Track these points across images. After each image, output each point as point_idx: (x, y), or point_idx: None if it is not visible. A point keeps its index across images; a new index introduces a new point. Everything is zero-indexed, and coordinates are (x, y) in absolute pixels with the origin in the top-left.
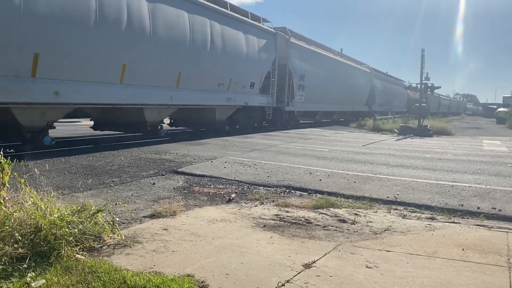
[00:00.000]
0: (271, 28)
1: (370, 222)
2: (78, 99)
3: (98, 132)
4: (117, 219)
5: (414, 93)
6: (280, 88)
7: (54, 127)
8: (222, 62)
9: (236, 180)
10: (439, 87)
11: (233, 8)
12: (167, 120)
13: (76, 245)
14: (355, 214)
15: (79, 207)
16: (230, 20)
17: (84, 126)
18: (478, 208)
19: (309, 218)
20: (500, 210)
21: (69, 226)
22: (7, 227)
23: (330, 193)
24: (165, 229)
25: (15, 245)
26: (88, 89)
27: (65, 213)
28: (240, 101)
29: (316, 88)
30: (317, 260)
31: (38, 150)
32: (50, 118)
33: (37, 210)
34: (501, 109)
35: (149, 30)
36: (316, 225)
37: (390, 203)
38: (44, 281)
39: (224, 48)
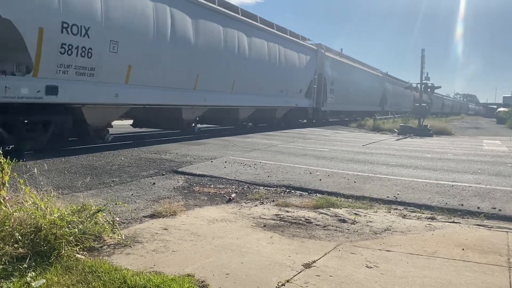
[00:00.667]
0: (312, 45)
1: (370, 222)
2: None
3: (138, 130)
4: (117, 219)
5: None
6: (317, 93)
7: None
8: (285, 74)
9: (236, 180)
10: (439, 87)
11: (291, 33)
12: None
13: (76, 245)
14: (355, 214)
15: (79, 207)
16: (289, 43)
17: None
18: (478, 208)
19: (309, 218)
20: (500, 210)
21: (69, 226)
22: (7, 227)
23: (330, 193)
24: (165, 229)
25: (15, 245)
26: (212, 96)
27: (65, 213)
28: (292, 103)
29: (342, 91)
30: (317, 260)
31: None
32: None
33: (37, 210)
34: (501, 109)
35: (248, 54)
36: (316, 225)
37: (390, 203)
38: (44, 280)
39: (286, 64)
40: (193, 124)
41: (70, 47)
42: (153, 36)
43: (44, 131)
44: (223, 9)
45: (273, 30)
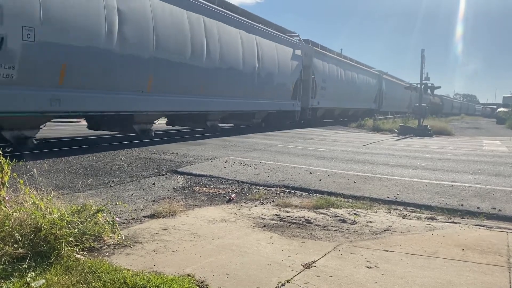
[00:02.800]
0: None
1: (370, 222)
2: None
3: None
4: (117, 219)
5: (427, 94)
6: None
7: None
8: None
9: (236, 180)
10: (439, 87)
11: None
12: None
13: (76, 245)
14: (355, 214)
15: (79, 207)
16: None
17: (83, 125)
18: (478, 208)
19: (309, 218)
20: (500, 210)
21: (69, 226)
22: (7, 227)
23: (330, 193)
24: (165, 229)
25: (15, 245)
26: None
27: (65, 213)
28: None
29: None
30: (317, 260)
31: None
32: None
33: (37, 210)
34: (501, 109)
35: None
36: (316, 225)
37: (390, 203)
38: (44, 281)
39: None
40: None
41: None
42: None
43: None
44: None
45: (250, 22)
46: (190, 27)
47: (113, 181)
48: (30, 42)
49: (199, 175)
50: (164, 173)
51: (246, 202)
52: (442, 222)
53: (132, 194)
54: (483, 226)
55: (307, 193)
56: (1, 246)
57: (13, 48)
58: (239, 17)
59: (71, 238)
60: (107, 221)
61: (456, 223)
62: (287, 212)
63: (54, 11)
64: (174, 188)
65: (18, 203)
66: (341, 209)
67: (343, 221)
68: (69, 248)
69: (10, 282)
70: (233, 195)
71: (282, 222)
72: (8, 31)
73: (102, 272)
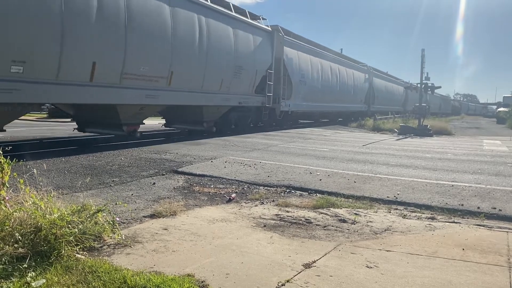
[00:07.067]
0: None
1: (370, 222)
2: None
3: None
4: (117, 219)
5: (431, 93)
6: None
7: None
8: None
9: (236, 180)
10: (439, 87)
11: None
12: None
13: (76, 245)
14: (355, 214)
15: (79, 207)
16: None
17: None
18: (478, 208)
19: (309, 218)
20: (500, 210)
21: (69, 226)
22: (7, 227)
23: (330, 193)
24: (165, 229)
25: (15, 245)
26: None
27: (65, 212)
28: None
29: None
30: (317, 260)
31: None
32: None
33: (37, 210)
34: (501, 108)
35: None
36: (316, 225)
37: (390, 203)
38: (44, 280)
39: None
40: None
41: None
42: None
43: None
44: None
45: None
46: None
47: (113, 181)
48: None
49: (199, 175)
50: (164, 173)
51: (246, 202)
52: (442, 222)
53: (132, 194)
54: (483, 226)
55: (307, 193)
56: (1, 245)
57: None
58: None
59: (71, 238)
60: (107, 221)
61: (456, 223)
62: (287, 212)
63: None
64: (174, 188)
65: (18, 202)
66: (341, 209)
67: (343, 221)
68: (69, 248)
69: (11, 282)
70: (233, 195)
71: (282, 222)
72: None
73: (102, 271)
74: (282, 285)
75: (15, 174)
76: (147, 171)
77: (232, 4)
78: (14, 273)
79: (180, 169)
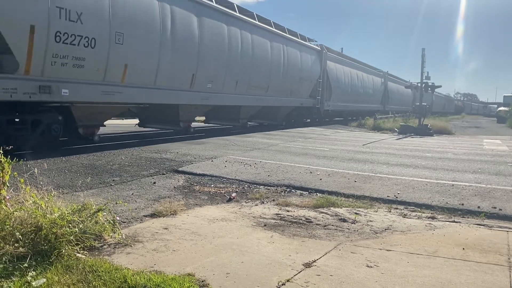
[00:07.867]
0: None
1: (371, 221)
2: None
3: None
4: (118, 218)
5: (431, 92)
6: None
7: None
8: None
9: (237, 179)
10: (440, 86)
11: (297, 34)
12: None
13: (77, 244)
14: (356, 213)
15: (80, 206)
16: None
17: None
18: (479, 207)
19: (310, 217)
20: (500, 209)
21: (70, 225)
22: (8, 226)
23: (330, 192)
24: (166, 228)
25: (16, 244)
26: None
27: (66, 212)
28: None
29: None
30: (317, 259)
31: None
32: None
33: (38, 209)
34: (501, 108)
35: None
36: (317, 224)
37: (390, 202)
38: (44, 280)
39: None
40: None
41: None
42: None
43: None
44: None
45: (278, 31)
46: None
47: (113, 180)
48: None
49: (199, 174)
50: (164, 172)
51: (247, 201)
52: (443, 221)
53: (132, 193)
54: (483, 225)
55: (307, 192)
56: (2, 245)
57: None
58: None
59: (71, 237)
60: (107, 220)
61: (456, 222)
62: (288, 211)
63: None
64: (174, 187)
65: (19, 202)
66: (341, 208)
67: (344, 220)
68: (70, 247)
69: (11, 281)
70: (233, 194)
71: (283, 221)
72: None
73: (102, 271)
74: (282, 284)
75: (15, 173)
76: (147, 171)
77: (299, 34)
78: (15, 272)
79: (180, 169)
